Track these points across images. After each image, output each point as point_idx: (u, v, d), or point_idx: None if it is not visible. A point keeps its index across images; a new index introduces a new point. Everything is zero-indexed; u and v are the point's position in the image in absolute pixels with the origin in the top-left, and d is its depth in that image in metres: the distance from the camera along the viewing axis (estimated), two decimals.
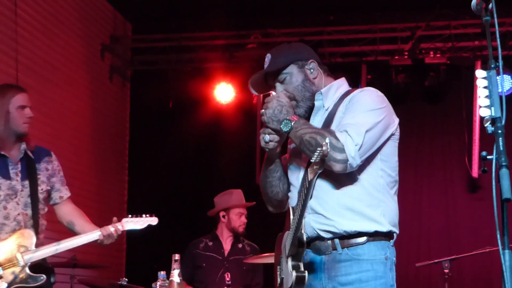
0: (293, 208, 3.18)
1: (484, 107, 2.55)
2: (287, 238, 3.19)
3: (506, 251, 2.42)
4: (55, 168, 4.95)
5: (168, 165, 9.53)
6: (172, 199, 9.41)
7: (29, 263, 4.55)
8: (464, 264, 8.05)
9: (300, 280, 3.07)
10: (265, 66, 3.42)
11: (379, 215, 3.19)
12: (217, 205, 6.70)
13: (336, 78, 3.49)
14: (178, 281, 3.64)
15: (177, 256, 3.70)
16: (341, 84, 3.47)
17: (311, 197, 3.04)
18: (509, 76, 8.49)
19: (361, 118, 3.14)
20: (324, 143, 2.80)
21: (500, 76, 2.58)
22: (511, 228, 2.44)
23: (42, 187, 4.83)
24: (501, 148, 2.46)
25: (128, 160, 9.79)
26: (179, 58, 9.46)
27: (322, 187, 3.18)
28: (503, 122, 2.50)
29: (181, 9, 9.18)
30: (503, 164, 2.43)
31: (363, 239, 3.17)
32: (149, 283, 3.78)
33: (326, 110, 3.37)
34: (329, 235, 3.19)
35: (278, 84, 3.39)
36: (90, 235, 4.74)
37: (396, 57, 8.87)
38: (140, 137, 9.75)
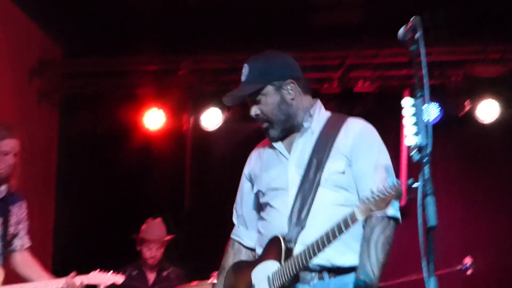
0: (284, 237, 3.11)
1: (410, 135, 2.59)
2: (273, 269, 3.10)
3: (431, 278, 2.45)
4: (24, 216, 5.06)
5: (96, 192, 9.38)
6: (100, 227, 9.26)
7: None
8: None
9: None
10: (242, 78, 3.30)
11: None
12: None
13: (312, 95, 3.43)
14: None
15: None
16: (321, 106, 3.43)
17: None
18: (437, 104, 8.58)
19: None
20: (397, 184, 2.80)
21: (426, 105, 2.62)
22: (437, 256, 2.47)
23: (10, 230, 4.91)
24: (427, 176, 2.49)
25: (55, 187, 9.60)
26: (109, 83, 9.33)
27: (313, 218, 3.13)
28: (429, 150, 2.54)
29: (112, 34, 9.09)
30: (429, 192, 2.46)
31: None
32: None
33: (312, 133, 3.29)
34: (318, 268, 3.14)
35: (253, 106, 3.29)
36: (56, 281, 4.82)
37: (325, 85, 8.94)
38: (68, 163, 9.56)
